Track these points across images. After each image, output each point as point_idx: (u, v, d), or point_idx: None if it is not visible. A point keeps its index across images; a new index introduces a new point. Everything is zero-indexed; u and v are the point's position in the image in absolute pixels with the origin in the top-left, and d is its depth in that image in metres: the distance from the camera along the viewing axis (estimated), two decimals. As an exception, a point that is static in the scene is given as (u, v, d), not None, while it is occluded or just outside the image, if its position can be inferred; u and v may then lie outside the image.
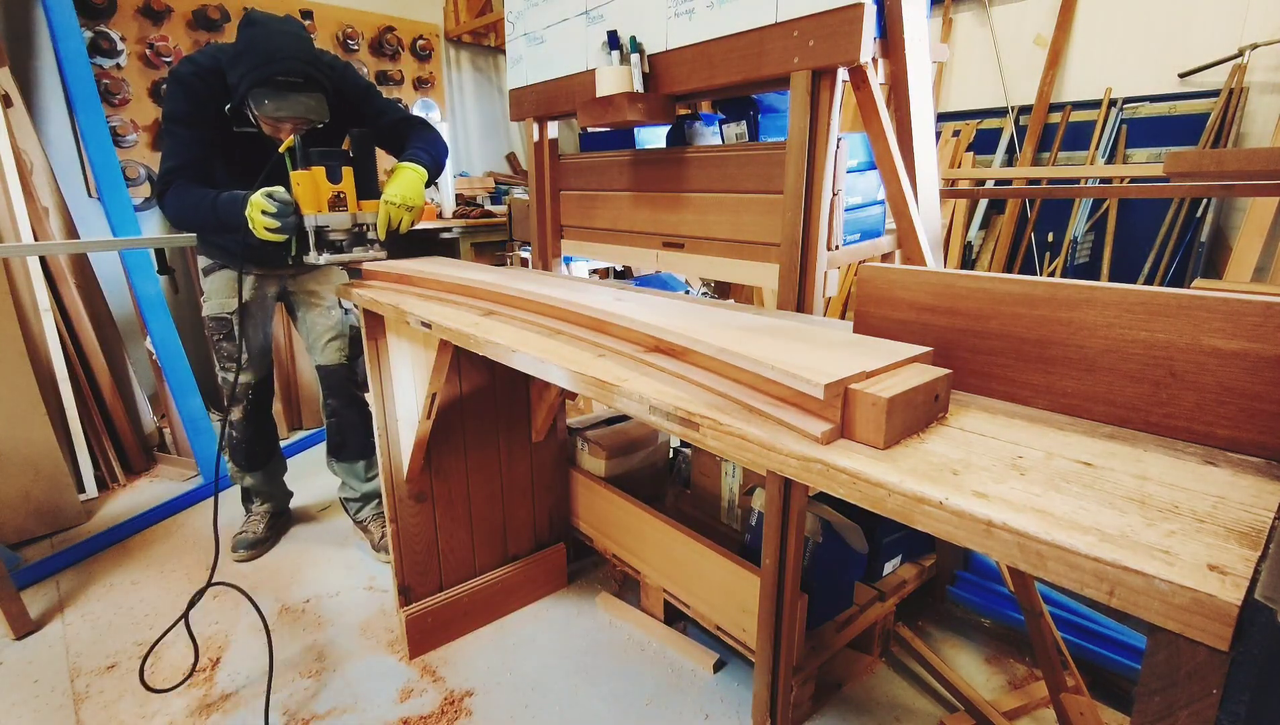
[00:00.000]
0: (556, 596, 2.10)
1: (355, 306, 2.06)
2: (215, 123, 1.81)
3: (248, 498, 2.43)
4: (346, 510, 2.43)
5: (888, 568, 1.80)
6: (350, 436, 2.29)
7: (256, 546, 2.36)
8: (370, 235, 1.71)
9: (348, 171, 1.64)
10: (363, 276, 1.73)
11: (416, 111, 4.32)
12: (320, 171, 1.60)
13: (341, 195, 1.64)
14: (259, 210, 1.58)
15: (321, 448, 2.44)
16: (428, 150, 1.92)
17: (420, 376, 1.59)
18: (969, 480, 0.60)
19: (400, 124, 2.05)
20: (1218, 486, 0.59)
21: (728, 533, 1.97)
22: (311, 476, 2.86)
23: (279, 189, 1.62)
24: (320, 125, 1.85)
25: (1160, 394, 0.70)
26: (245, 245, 1.91)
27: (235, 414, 2.24)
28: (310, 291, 2.22)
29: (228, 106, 1.79)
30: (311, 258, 1.65)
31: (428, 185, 1.86)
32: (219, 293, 2.11)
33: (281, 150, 1.66)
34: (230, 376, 2.16)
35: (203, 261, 2.15)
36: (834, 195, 1.28)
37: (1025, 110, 3.77)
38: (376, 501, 2.39)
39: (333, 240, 1.66)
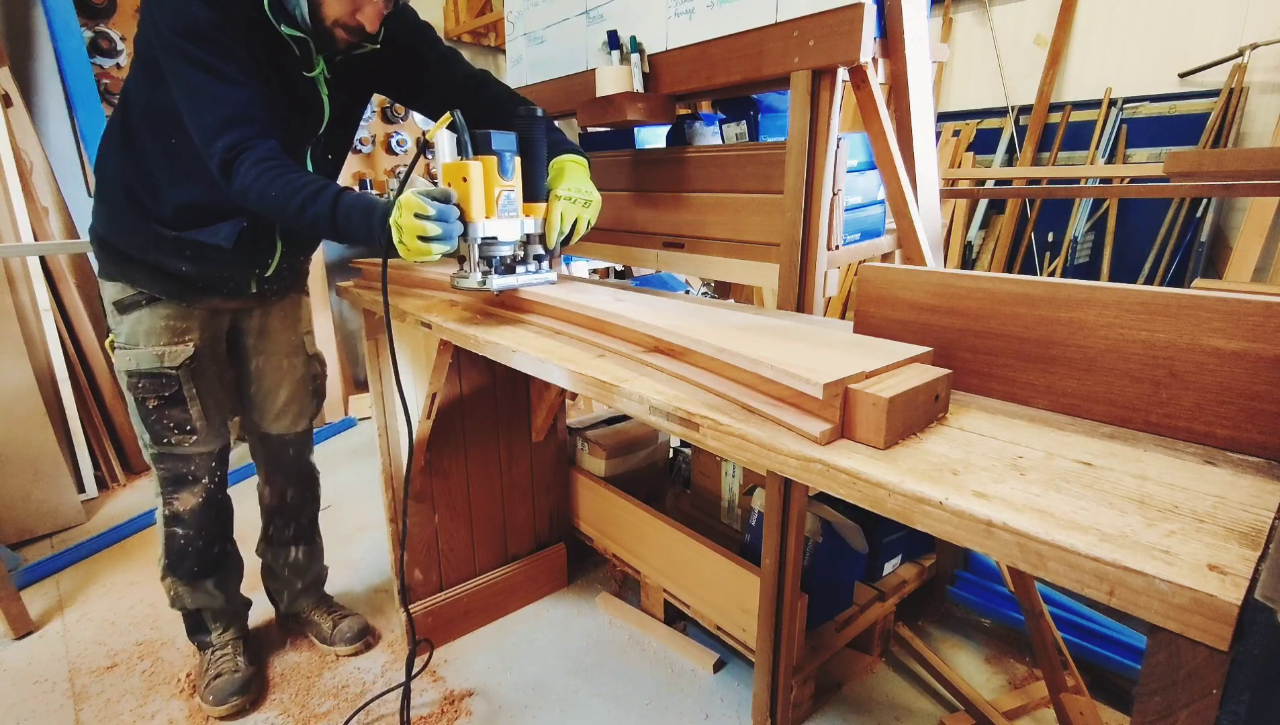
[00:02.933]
0: (556, 596, 2.10)
1: (318, 351, 1.76)
2: (246, 40, 1.23)
3: (200, 627, 1.72)
4: (276, 604, 1.91)
5: (888, 568, 1.80)
6: (296, 519, 1.82)
7: (249, 687, 1.68)
8: (536, 248, 1.27)
9: (518, 163, 1.21)
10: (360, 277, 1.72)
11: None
12: (491, 162, 1.16)
13: (510, 195, 1.20)
14: (412, 213, 1.07)
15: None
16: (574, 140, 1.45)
17: (420, 376, 1.59)
18: (969, 480, 0.60)
19: (504, 97, 1.46)
20: (1218, 486, 0.59)
21: (728, 533, 1.97)
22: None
23: (435, 188, 1.14)
24: (375, 47, 1.35)
25: (1160, 394, 0.70)
26: (195, 262, 1.40)
27: (187, 502, 1.56)
28: (269, 332, 1.65)
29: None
30: (470, 281, 1.20)
31: None
32: (151, 337, 1.45)
33: (429, 135, 1.15)
34: (181, 449, 1.52)
35: (113, 290, 1.45)
36: (834, 195, 1.28)
37: (1025, 110, 3.78)
38: (315, 589, 1.91)
39: (496, 256, 1.22)
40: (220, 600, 1.69)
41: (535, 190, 1.25)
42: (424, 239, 1.08)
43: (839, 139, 1.25)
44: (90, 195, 3.03)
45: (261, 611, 1.93)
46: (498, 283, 1.21)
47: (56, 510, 2.51)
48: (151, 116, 1.32)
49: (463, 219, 1.15)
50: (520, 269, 1.25)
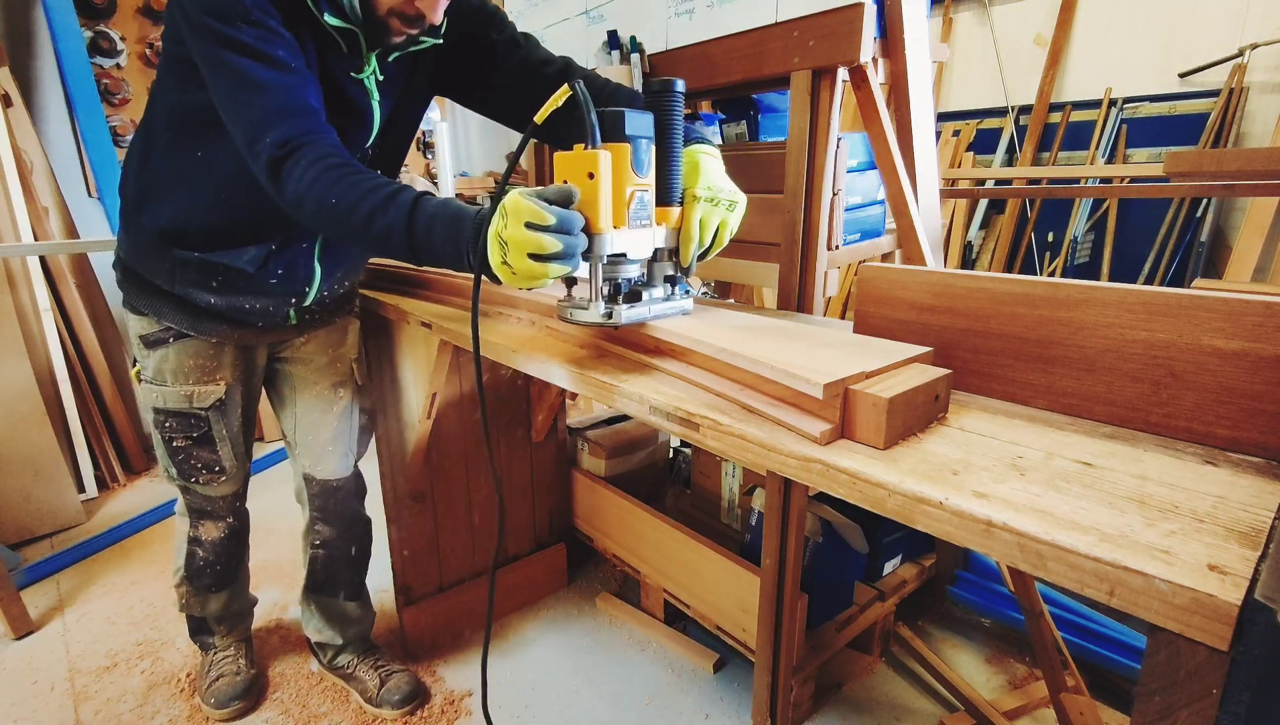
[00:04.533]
0: (556, 596, 2.10)
1: (365, 374, 1.58)
2: (291, 27, 1.03)
3: (204, 629, 1.68)
4: (318, 656, 1.75)
5: (888, 567, 1.80)
6: (343, 572, 1.65)
7: (250, 690, 1.66)
8: (664, 266, 0.98)
9: (654, 154, 0.91)
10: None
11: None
12: (624, 152, 0.86)
13: (644, 197, 0.90)
14: (523, 222, 0.78)
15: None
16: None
17: (420, 376, 1.59)
18: (969, 480, 0.60)
19: (596, 85, 1.20)
20: (1218, 486, 0.59)
21: (728, 533, 1.97)
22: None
23: (549, 187, 0.83)
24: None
25: (1160, 394, 0.70)
26: (229, 293, 1.26)
27: (211, 533, 1.52)
28: (311, 362, 1.49)
29: None
30: (592, 313, 0.91)
31: None
32: (179, 376, 1.34)
33: (540, 117, 0.85)
34: (209, 490, 1.46)
35: (139, 324, 1.34)
36: (834, 195, 1.28)
37: (1025, 110, 3.77)
38: (361, 642, 1.74)
39: (623, 278, 0.93)
40: (230, 608, 1.67)
41: (669, 190, 0.95)
42: (537, 257, 0.79)
43: (839, 139, 1.25)
44: (90, 196, 3.03)
45: (262, 611, 1.93)
46: (626, 315, 0.91)
47: (56, 510, 2.51)
48: (177, 124, 1.16)
49: (586, 229, 0.85)
50: (646, 294, 0.96)
